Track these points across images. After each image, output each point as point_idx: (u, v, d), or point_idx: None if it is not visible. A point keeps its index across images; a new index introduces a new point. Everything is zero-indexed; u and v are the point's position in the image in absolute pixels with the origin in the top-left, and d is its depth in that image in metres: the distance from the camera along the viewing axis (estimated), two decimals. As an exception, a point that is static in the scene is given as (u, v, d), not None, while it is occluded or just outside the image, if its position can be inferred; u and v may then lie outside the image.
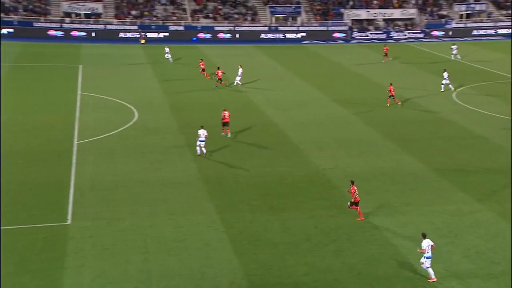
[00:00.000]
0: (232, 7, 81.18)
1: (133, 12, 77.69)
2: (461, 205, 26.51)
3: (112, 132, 35.79)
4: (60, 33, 72.03)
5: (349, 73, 55.86)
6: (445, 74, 47.64)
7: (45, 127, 36.45)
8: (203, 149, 31.81)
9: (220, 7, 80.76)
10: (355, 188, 24.85)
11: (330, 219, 24.96)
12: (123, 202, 26.23)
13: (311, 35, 77.26)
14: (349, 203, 25.06)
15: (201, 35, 75.28)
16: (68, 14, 75.80)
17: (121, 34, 73.46)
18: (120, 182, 28.33)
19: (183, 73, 53.27)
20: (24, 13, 74.29)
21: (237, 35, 75.65)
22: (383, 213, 25.64)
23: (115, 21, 75.87)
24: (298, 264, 21.43)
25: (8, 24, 71.48)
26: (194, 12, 79.27)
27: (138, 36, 72.20)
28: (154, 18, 77.37)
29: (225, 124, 35.16)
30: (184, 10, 79.46)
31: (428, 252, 20.28)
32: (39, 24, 72.67)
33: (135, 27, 74.69)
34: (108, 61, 59.64)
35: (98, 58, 60.82)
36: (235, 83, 48.56)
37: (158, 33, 74.29)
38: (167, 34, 74.35)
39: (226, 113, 35.30)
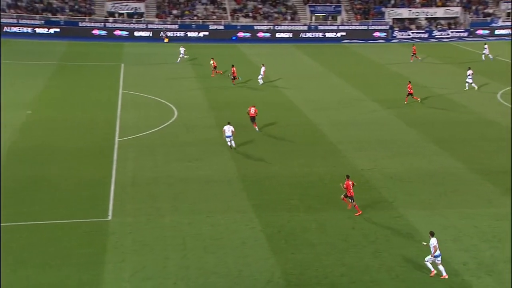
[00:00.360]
0: (272, 6, 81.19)
1: (174, 12, 78.57)
2: (506, 208, 25.82)
3: (152, 130, 36.28)
4: (103, 32, 73.48)
5: (390, 73, 55.12)
6: (469, 72, 46.85)
7: (88, 124, 37.23)
8: (232, 142, 32.37)
9: (260, 6, 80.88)
10: (350, 182, 25.04)
11: (369, 220, 24.71)
12: (162, 199, 26.57)
13: (351, 34, 76.57)
14: (343, 195, 25.34)
15: (241, 34, 75.55)
16: (111, 14, 77.27)
17: (162, 33, 74.41)
18: (160, 179, 28.71)
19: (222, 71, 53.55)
20: (70, 13, 76.07)
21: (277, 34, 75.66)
22: (423, 215, 25.23)
23: (156, 20, 76.90)
24: (335, 265, 21.30)
25: (55, 24, 73.35)
26: (234, 11, 79.63)
27: (162, 35, 73.03)
28: (195, 18, 78.08)
29: (252, 119, 35.97)
30: (224, 9, 79.93)
31: (438, 250, 20.31)
32: (84, 24, 74.31)
33: (176, 26, 75.55)
34: (149, 59, 60.48)
35: (139, 56, 61.76)
36: (260, 82, 48.49)
37: (198, 32, 74.93)
38: (207, 33, 74.93)
39: (253, 109, 36.04)
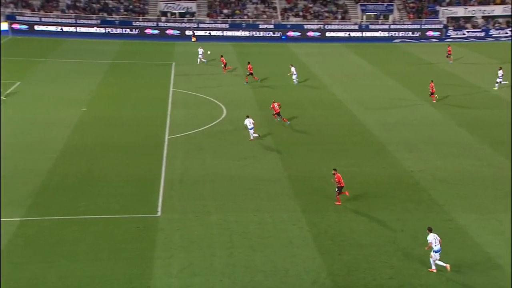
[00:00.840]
0: (322, 5, 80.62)
1: (225, 11, 79.15)
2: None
3: (201, 128, 36.62)
4: (156, 31, 74.77)
5: (442, 73, 53.76)
6: (500, 72, 45.83)
7: (140, 122, 37.92)
8: (254, 134, 33.99)
9: (310, 5, 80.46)
10: (339, 174, 25.57)
11: (418, 222, 24.16)
12: (210, 196, 26.79)
13: (403, 34, 75.18)
14: (336, 190, 25.65)
15: (290, 33, 75.35)
16: (164, 14, 78.56)
17: (213, 32, 75.15)
18: (208, 177, 28.95)
19: (270, 71, 53.52)
20: (125, 13, 77.82)
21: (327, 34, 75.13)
22: (475, 219, 24.48)
23: (207, 19, 77.66)
24: (384, 267, 20.93)
25: (110, 23, 75.20)
26: (284, 10, 79.48)
27: (190, 34, 73.64)
28: (245, 17, 78.41)
29: (278, 114, 37.19)
30: (274, 8, 79.91)
31: (435, 246, 20.49)
32: (138, 23, 75.84)
33: (226, 26, 76.09)
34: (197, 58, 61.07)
35: (190, 55, 62.49)
36: (295, 82, 47.99)
37: (249, 32, 75.22)
38: (257, 32, 75.12)
39: (276, 105, 37.32)
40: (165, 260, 21.32)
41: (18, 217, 23.93)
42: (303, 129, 36.02)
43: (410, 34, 75.53)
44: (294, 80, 48.43)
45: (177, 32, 74.79)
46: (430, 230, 20.99)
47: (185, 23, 76.77)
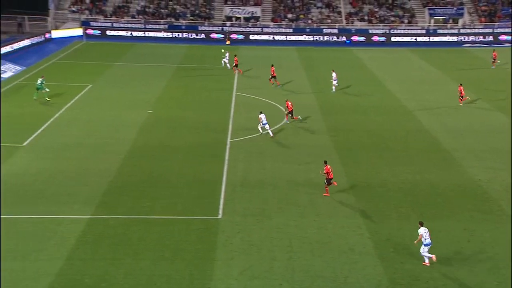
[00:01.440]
0: (388, 9, 79.23)
1: (289, 16, 79.23)
2: None
3: (263, 132, 36.81)
4: (221, 36, 75.82)
5: (514, 78, 51.57)
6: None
7: (203, 124, 38.48)
8: (269, 131, 34.93)
9: (376, 9, 79.25)
10: (329, 167, 26.76)
11: (486, 233, 23.25)
12: (270, 200, 26.82)
13: (474, 38, 72.69)
14: (325, 182, 26.70)
15: (355, 38, 74.49)
16: (229, 18, 79.57)
17: (277, 37, 75.38)
18: (269, 181, 29.01)
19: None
20: (191, 17, 79.45)
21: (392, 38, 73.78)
22: (547, 232, 23.29)
23: (271, 24, 78.00)
24: (447, 278, 20.26)
25: (177, 28, 76.97)
26: (349, 14, 78.68)
27: (223, 36, 73.78)
28: (309, 21, 78.22)
29: (290, 113, 38.43)
30: (339, 13, 79.25)
31: (425, 239, 21.00)
32: (203, 28, 77.25)
33: (290, 30, 76.15)
34: (262, 62, 61.42)
35: (253, 59, 62.93)
36: (333, 89, 46.84)
37: (313, 36, 74.96)
38: (320, 37, 74.74)
39: (290, 103, 38.59)
40: (225, 262, 21.52)
41: (87, 215, 24.84)
42: (365, 134, 35.47)
43: (481, 38, 72.98)
44: (334, 87, 46.57)
45: (241, 36, 75.53)
46: (421, 224, 21.56)
47: (249, 27, 77.43)
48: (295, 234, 23.51)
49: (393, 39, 73.96)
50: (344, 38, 74.21)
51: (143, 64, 58.61)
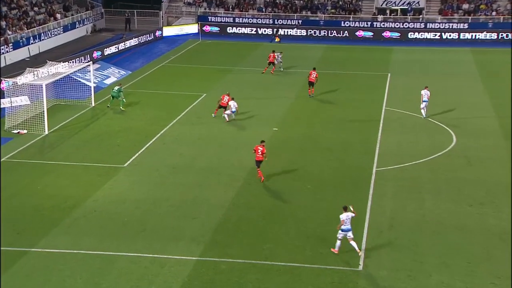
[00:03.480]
0: None
1: (464, 6, 76.89)
2: None
3: (420, 160, 35.84)
4: (369, 33, 75.57)
5: None
6: None
7: (341, 147, 38.32)
8: (227, 116, 41.12)
9: None
10: (259, 147, 31.97)
11: None
12: (429, 251, 25.93)
13: None
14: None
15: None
16: (381, 11, 79.03)
17: (445, 35, 73.58)
18: (427, 225, 28.09)
19: None
20: (332, 10, 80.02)
21: None
22: None
23: (438, 18, 76.21)
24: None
25: (313, 24, 77.95)
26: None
27: (273, 33, 74.11)
28: (493, 13, 75.32)
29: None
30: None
31: (345, 224, 24.84)
32: (347, 24, 77.49)
33: (465, 26, 74.01)
34: (424, 69, 60.09)
35: (411, 64, 61.76)
36: (422, 113, 43.58)
37: (497, 34, 72.08)
38: (509, 34, 71.72)
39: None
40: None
41: (195, 256, 25.49)
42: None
43: None
44: (422, 111, 43.16)
45: (396, 34, 74.69)
46: (345, 209, 25.14)
47: (408, 22, 76.31)
48: (462, 299, 22.50)
49: None
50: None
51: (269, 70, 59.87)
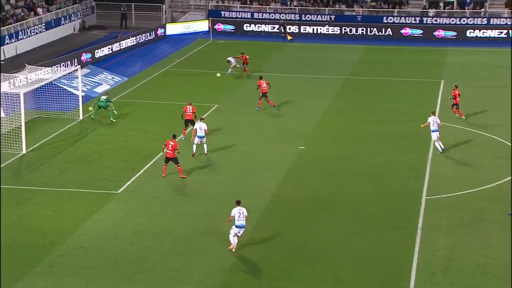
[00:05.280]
0: None
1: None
2: None
3: (483, 187, 35.82)
4: (418, 31, 75.56)
5: None
6: None
7: (381, 170, 38.26)
8: (204, 145, 40.02)
9: None
10: (171, 143, 35.67)
11: None
12: (492, 299, 25.79)
13: None
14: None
15: None
16: (433, 4, 78.94)
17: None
18: (493, 267, 27.83)
19: None
20: (372, 3, 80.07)
21: None
22: None
23: (505, 12, 75.94)
24: None
25: (349, 20, 78.03)
26: None
27: (280, 30, 75.23)
28: None
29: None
30: None
31: (238, 220, 27.97)
32: (391, 19, 77.46)
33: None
34: (486, 75, 59.89)
35: (470, 70, 61.59)
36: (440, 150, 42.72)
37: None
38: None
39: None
40: None
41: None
42: None
43: None
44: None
45: (451, 33, 74.58)
46: (238, 204, 28.30)
47: (467, 17, 76.14)
48: None
49: None
50: None
51: (294, 76, 60.08)
